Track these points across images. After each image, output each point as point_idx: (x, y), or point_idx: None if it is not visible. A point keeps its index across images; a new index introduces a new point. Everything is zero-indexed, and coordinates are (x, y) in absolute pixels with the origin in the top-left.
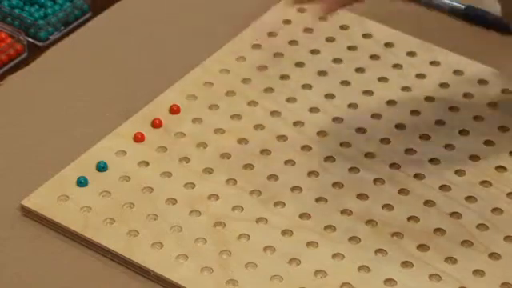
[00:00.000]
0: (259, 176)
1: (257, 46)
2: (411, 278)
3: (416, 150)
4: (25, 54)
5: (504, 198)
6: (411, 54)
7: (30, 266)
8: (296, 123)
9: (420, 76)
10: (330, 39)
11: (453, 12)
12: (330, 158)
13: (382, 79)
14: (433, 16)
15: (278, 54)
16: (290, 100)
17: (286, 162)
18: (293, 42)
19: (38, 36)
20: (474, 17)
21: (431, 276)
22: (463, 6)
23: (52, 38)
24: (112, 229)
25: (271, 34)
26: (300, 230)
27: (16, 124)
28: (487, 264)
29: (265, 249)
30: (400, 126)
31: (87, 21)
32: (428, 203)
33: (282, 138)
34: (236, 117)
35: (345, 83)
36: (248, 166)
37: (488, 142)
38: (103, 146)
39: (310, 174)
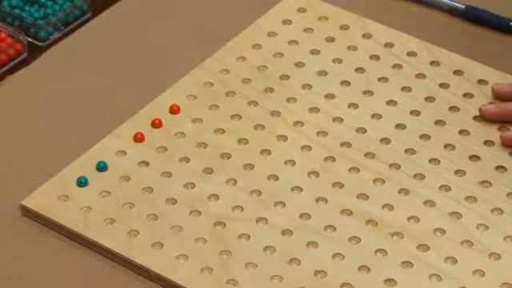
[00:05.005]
0: (259, 176)
1: (257, 46)
2: (411, 278)
3: (416, 150)
4: (25, 54)
5: (504, 198)
6: (411, 53)
7: (30, 266)
8: (296, 123)
9: (420, 76)
10: (329, 39)
11: (452, 12)
12: (330, 158)
13: (382, 79)
14: (433, 16)
15: (277, 54)
16: (290, 100)
17: (286, 162)
18: (293, 42)
19: (38, 36)
20: (473, 17)
21: (431, 276)
22: (463, 6)
23: (52, 38)
24: (112, 229)
25: (271, 34)
26: (300, 230)
27: (16, 124)
28: (487, 264)
29: (265, 249)
30: (400, 126)
31: (87, 21)
32: (428, 203)
33: (282, 137)
34: (236, 117)
35: (345, 83)
36: (248, 166)
37: (488, 142)
38: (103, 146)
39: (310, 174)
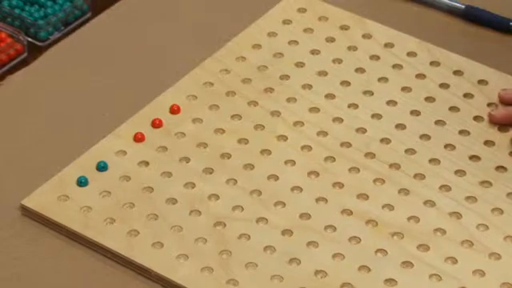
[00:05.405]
0: (259, 176)
1: (257, 46)
2: (411, 278)
3: (416, 150)
4: (25, 54)
5: (504, 198)
6: (411, 54)
7: (30, 266)
8: (296, 123)
9: (420, 76)
10: (329, 39)
11: (452, 12)
12: (329, 158)
13: (382, 79)
14: (433, 16)
15: (277, 54)
16: (290, 100)
17: (286, 162)
18: (293, 42)
19: (38, 36)
20: (473, 17)
21: (431, 276)
22: (463, 6)
23: (52, 38)
24: (112, 229)
25: (271, 34)
26: (300, 230)
27: (16, 124)
28: (487, 264)
29: (265, 249)
30: (400, 126)
31: (87, 21)
32: (428, 203)
33: (282, 137)
34: (236, 117)
35: (345, 83)
36: (248, 166)
37: (488, 142)
38: (103, 146)
39: (310, 174)
